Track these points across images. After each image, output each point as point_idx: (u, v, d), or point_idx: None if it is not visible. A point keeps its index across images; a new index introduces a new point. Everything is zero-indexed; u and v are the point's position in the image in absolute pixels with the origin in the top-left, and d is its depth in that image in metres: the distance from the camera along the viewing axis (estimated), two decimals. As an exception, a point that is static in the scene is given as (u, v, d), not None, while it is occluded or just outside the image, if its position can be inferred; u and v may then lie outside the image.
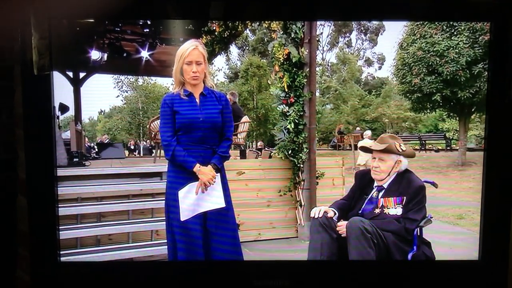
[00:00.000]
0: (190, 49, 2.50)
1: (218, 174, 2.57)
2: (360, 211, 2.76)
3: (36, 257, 2.47)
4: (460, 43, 5.54)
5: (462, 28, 5.54)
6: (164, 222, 2.64)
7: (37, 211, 2.47)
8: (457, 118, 6.59)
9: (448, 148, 7.35)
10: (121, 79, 7.23)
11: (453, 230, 4.55)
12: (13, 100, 2.39)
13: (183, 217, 2.50)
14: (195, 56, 2.50)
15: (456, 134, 7.01)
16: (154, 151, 5.69)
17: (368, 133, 6.33)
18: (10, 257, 2.43)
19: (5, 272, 2.42)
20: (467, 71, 5.51)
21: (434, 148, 7.46)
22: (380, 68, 8.62)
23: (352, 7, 2.61)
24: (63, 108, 4.77)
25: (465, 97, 5.68)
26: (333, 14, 2.83)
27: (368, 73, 8.43)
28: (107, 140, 7.29)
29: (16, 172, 2.42)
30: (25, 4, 2.31)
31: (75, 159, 4.68)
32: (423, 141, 7.47)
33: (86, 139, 6.31)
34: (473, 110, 6.09)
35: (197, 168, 2.50)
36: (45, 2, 2.38)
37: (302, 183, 4.62)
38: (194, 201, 2.52)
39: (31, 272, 2.45)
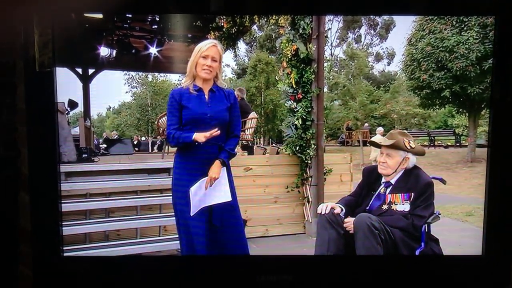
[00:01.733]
0: (209, 45, 2.55)
1: (224, 168, 2.59)
2: (367, 207, 2.75)
3: (38, 253, 2.48)
4: (470, 38, 5.50)
5: (473, 23, 5.50)
6: (172, 218, 2.66)
7: (39, 207, 2.47)
8: (467, 114, 6.55)
9: (458, 144, 7.32)
10: (131, 75, 7.29)
11: (461, 227, 4.53)
12: (14, 97, 2.40)
13: (192, 212, 2.52)
14: (213, 52, 2.54)
15: (466, 130, 6.97)
16: (162, 146, 5.72)
17: (380, 129, 6.33)
18: (12, 253, 2.44)
19: (8, 268, 2.43)
20: (477, 66, 5.47)
21: (443, 144, 7.43)
22: (389, 64, 8.59)
23: (356, 1, 2.59)
24: (72, 105, 4.81)
25: (474, 93, 5.64)
26: (337, 8, 2.81)
27: (379, 70, 8.41)
28: (116, 136, 7.35)
29: (17, 169, 2.43)
30: (28, 0, 2.32)
31: (84, 155, 4.73)
32: (432, 137, 7.44)
33: (95, 136, 6.37)
34: (483, 106, 6.05)
35: (197, 134, 2.49)
36: None
37: (310, 179, 4.62)
38: (201, 195, 2.53)
39: (34, 268, 2.47)
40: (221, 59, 2.61)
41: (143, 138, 7.42)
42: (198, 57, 2.55)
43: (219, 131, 2.50)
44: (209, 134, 2.47)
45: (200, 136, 2.47)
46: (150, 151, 7.43)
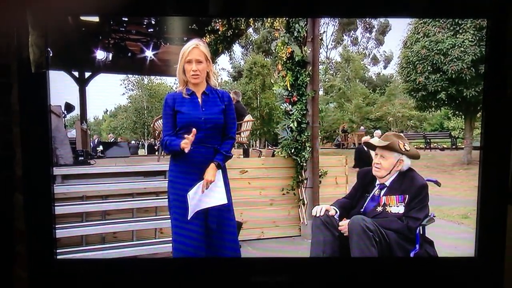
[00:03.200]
0: (191, 48, 2.50)
1: (220, 170, 2.58)
2: (362, 209, 2.76)
3: (32, 255, 2.48)
4: (465, 41, 5.51)
5: (468, 26, 5.51)
6: (168, 220, 2.65)
7: (32, 208, 2.47)
8: (463, 117, 6.56)
9: (454, 146, 7.32)
10: (127, 77, 7.30)
11: (457, 229, 4.54)
12: (10, 98, 2.40)
13: (189, 216, 2.51)
14: (196, 54, 2.50)
15: (462, 133, 6.98)
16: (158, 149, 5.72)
17: (378, 132, 6.34)
18: (7, 254, 2.44)
19: (3, 269, 2.43)
20: (473, 69, 5.48)
21: (439, 146, 7.43)
22: (385, 67, 8.61)
23: (351, 3, 2.61)
24: (69, 108, 4.81)
25: (470, 95, 5.65)
26: (334, 10, 2.83)
27: (375, 72, 8.42)
28: (112, 139, 7.35)
29: (13, 170, 2.43)
30: (22, 2, 2.32)
31: (80, 158, 4.72)
32: (428, 140, 7.44)
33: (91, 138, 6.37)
34: (479, 108, 6.05)
35: (184, 140, 2.43)
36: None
37: (305, 181, 4.63)
38: (198, 198, 2.53)
39: (28, 269, 2.46)
40: (207, 58, 2.54)
41: (132, 142, 7.40)
42: (183, 62, 2.51)
43: (195, 130, 2.42)
44: (191, 136, 2.41)
45: (186, 145, 2.41)
46: (146, 153, 7.43)
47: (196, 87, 2.58)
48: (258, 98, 7.26)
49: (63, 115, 4.67)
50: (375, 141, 2.83)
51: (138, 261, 3.32)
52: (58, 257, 2.66)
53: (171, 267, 2.68)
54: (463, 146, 6.64)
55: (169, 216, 2.63)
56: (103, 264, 2.97)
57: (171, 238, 2.63)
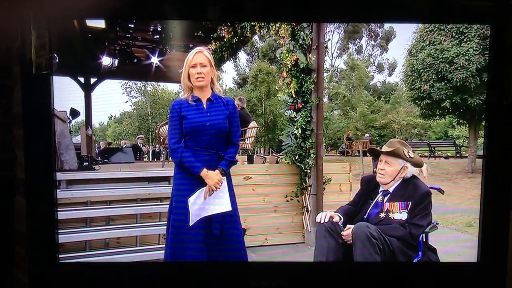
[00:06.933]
0: (194, 53, 2.57)
1: (224, 177, 2.59)
2: (365, 216, 2.76)
3: (34, 258, 2.48)
4: (470, 49, 5.51)
5: (472, 34, 5.52)
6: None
7: (36, 213, 2.47)
8: (467, 125, 6.54)
9: (458, 155, 7.29)
10: (129, 85, 7.33)
11: (461, 238, 4.52)
12: (11, 100, 2.41)
13: (191, 222, 2.52)
14: (200, 59, 2.56)
15: (466, 141, 6.96)
16: (162, 155, 5.74)
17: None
18: (7, 257, 2.44)
19: (3, 271, 2.43)
20: (478, 77, 5.48)
21: (443, 155, 7.40)
22: (390, 75, 8.60)
23: (351, 8, 2.62)
24: (74, 113, 4.83)
25: (475, 103, 5.64)
26: (332, 15, 2.85)
27: (380, 80, 8.42)
28: (125, 145, 7.37)
29: (13, 172, 2.43)
30: (25, 3, 2.33)
31: (85, 163, 4.74)
32: (433, 148, 7.42)
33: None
34: (483, 116, 6.03)
35: (205, 172, 2.53)
36: (44, 0, 2.40)
37: (309, 188, 4.62)
38: (200, 205, 2.54)
39: (29, 273, 2.46)
40: (211, 63, 2.61)
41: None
42: (188, 68, 2.57)
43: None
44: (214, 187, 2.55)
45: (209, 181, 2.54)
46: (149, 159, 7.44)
47: (202, 93, 2.61)
48: (263, 105, 7.28)
49: (68, 121, 4.70)
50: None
51: (141, 265, 3.32)
52: (61, 261, 2.66)
53: (171, 271, 2.68)
54: (467, 155, 6.62)
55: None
56: (105, 267, 2.97)
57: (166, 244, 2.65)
